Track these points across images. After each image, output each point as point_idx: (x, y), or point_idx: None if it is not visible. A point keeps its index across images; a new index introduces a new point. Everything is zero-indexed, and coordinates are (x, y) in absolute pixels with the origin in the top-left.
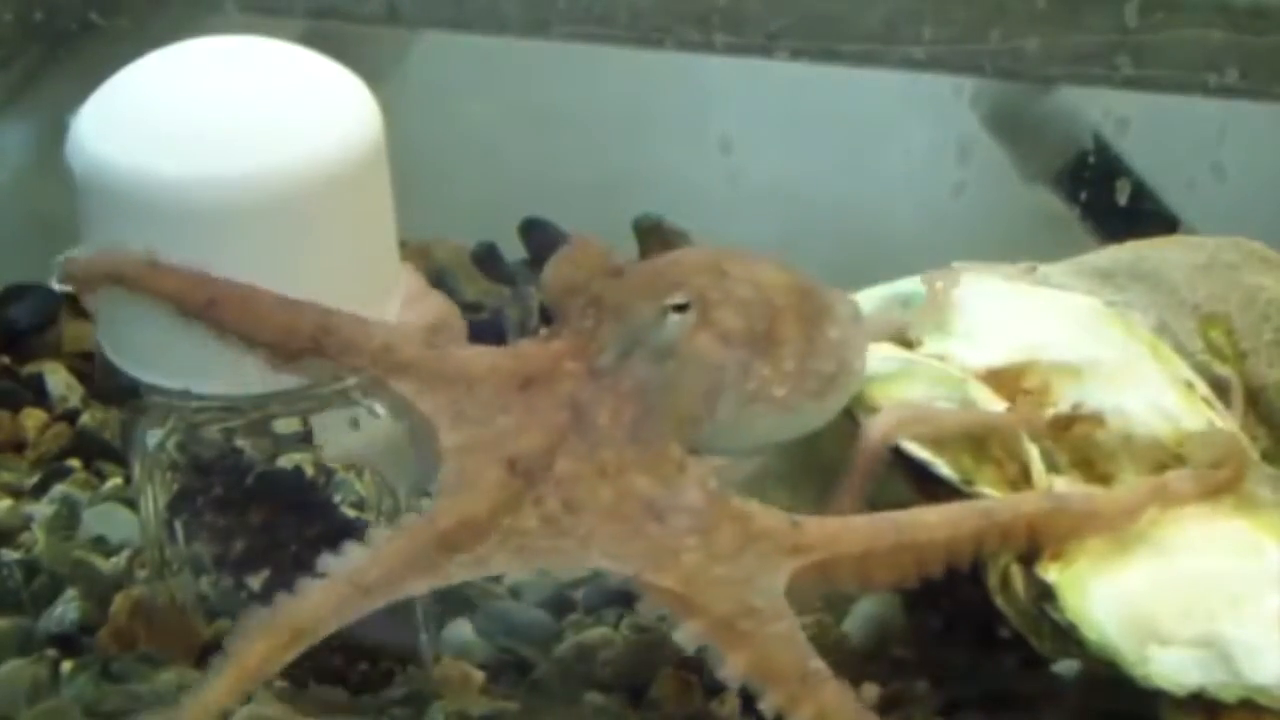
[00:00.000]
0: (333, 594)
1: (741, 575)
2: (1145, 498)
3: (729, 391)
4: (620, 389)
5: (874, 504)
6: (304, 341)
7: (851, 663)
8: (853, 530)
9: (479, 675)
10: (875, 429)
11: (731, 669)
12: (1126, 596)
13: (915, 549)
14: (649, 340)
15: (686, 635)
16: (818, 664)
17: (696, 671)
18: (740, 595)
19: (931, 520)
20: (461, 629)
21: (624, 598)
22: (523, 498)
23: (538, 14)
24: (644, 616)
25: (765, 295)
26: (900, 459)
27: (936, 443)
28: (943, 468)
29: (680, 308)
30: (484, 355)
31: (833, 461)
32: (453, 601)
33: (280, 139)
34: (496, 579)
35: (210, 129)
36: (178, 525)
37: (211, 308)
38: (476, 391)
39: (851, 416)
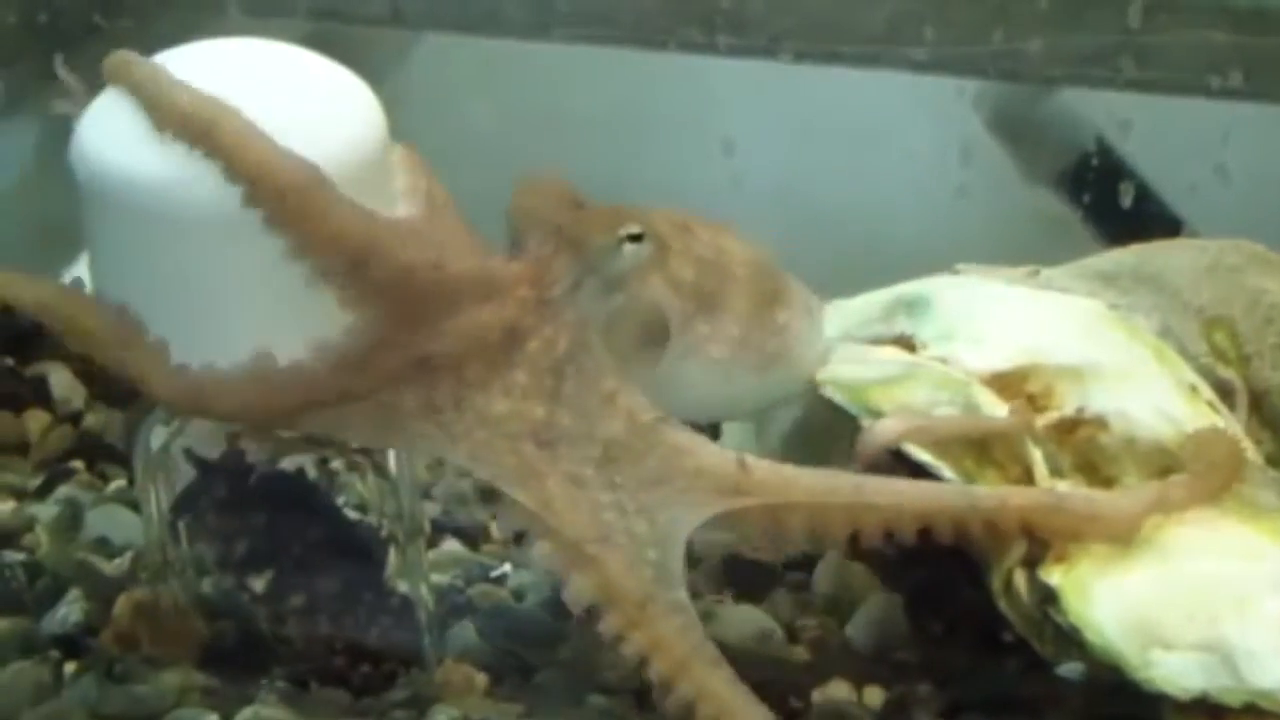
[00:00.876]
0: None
1: (636, 506)
2: (1146, 505)
3: (667, 340)
4: (561, 319)
5: None
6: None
7: (855, 665)
8: (808, 480)
9: (482, 678)
10: (876, 435)
11: (573, 592)
12: (1129, 600)
13: (880, 511)
14: (601, 269)
15: (537, 554)
16: (674, 596)
17: None
18: (602, 521)
19: (904, 489)
20: (464, 631)
21: None
22: (412, 381)
23: (540, 16)
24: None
25: (724, 260)
26: (902, 462)
27: (938, 446)
28: (945, 470)
29: (635, 238)
30: (460, 259)
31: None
32: (455, 604)
33: (284, 142)
34: (499, 581)
35: None
36: (180, 527)
37: None
38: (439, 288)
39: (854, 420)
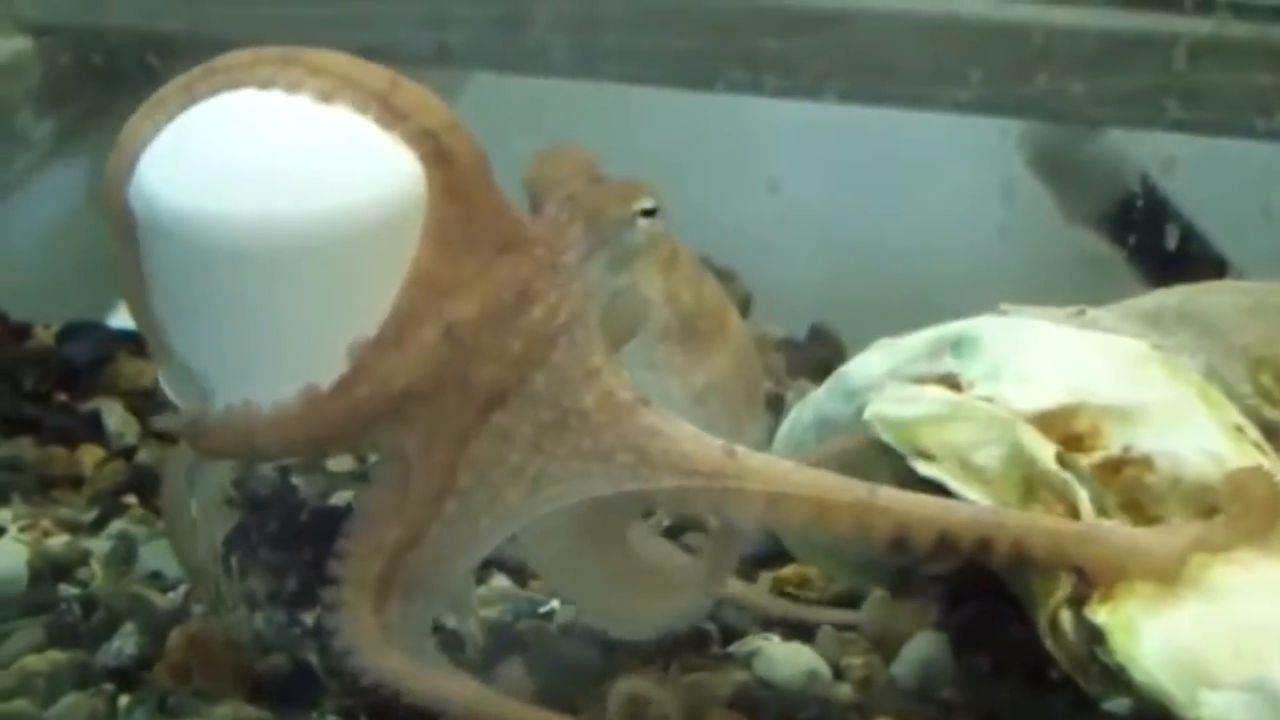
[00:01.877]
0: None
1: (534, 473)
2: (1188, 542)
3: (641, 344)
4: (568, 287)
5: None
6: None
7: (901, 704)
8: (811, 476)
9: None
10: None
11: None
12: (1176, 639)
13: (891, 516)
14: (613, 241)
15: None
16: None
17: (746, 711)
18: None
19: (921, 500)
20: (512, 667)
21: (674, 637)
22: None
23: (587, 55)
24: None
25: (724, 320)
26: (948, 497)
27: (984, 482)
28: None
29: (650, 213)
30: (498, 200)
31: None
32: (504, 639)
33: (335, 180)
34: (547, 616)
35: (268, 170)
36: (233, 561)
37: None
38: (471, 229)
39: (899, 458)
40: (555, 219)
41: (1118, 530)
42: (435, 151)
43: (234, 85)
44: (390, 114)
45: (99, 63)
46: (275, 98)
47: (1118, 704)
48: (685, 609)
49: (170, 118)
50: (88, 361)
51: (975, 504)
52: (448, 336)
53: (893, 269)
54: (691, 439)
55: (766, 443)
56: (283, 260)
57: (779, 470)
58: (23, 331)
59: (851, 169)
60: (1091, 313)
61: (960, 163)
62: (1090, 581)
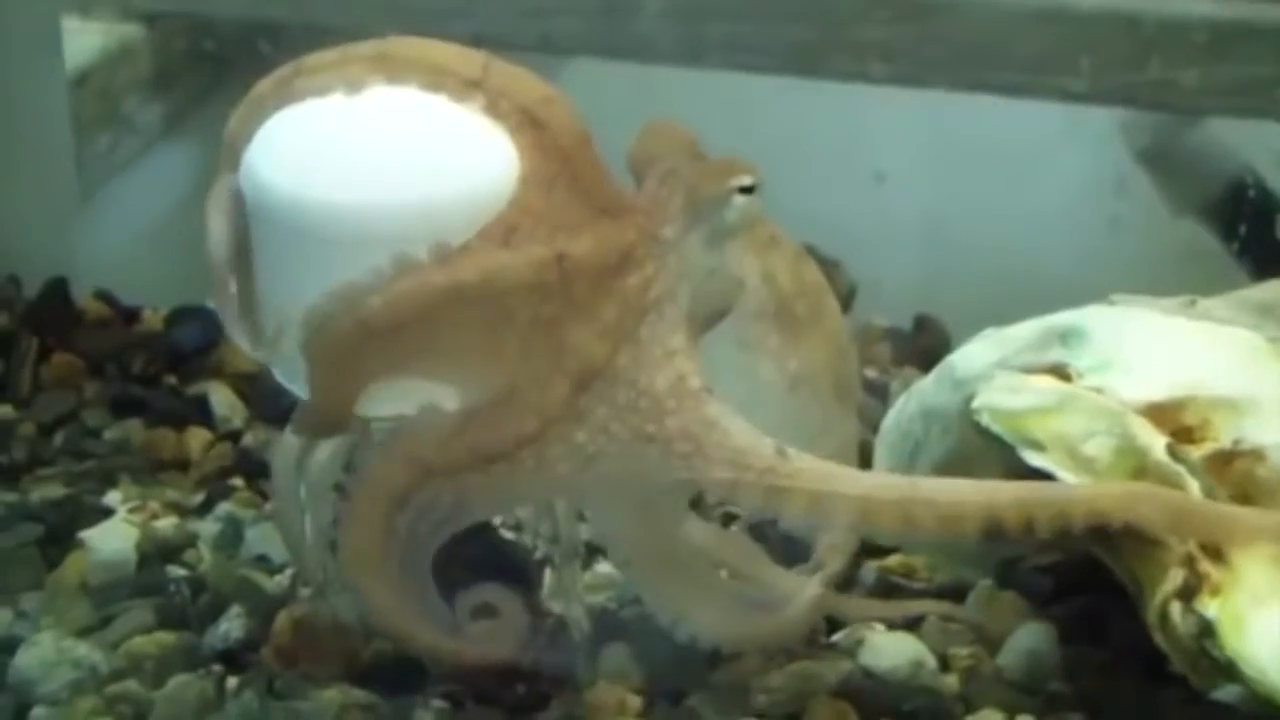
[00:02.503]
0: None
1: (594, 451)
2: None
3: (735, 322)
4: (665, 261)
5: None
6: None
7: (1007, 695)
8: (856, 476)
9: (635, 700)
10: None
11: None
12: None
13: (936, 508)
14: (710, 218)
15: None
16: None
17: (851, 700)
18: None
19: (967, 487)
20: (617, 653)
21: None
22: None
23: (692, 43)
24: None
25: (823, 307)
26: None
27: (1094, 473)
28: None
29: (747, 190)
30: (597, 166)
31: None
32: (609, 625)
33: (443, 171)
34: None
35: (375, 160)
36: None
37: None
38: (571, 186)
39: (1008, 448)
40: (655, 193)
41: (1200, 500)
42: (529, 121)
43: (324, 86)
44: (485, 96)
45: (209, 49)
46: (370, 100)
47: (1228, 691)
48: (786, 632)
49: (270, 113)
50: (195, 345)
51: (1022, 484)
52: (558, 263)
53: (999, 260)
54: (746, 434)
55: (856, 441)
56: (378, 248)
57: (825, 470)
58: (132, 315)
59: (959, 159)
60: (1203, 303)
61: (1072, 153)
62: (1200, 575)
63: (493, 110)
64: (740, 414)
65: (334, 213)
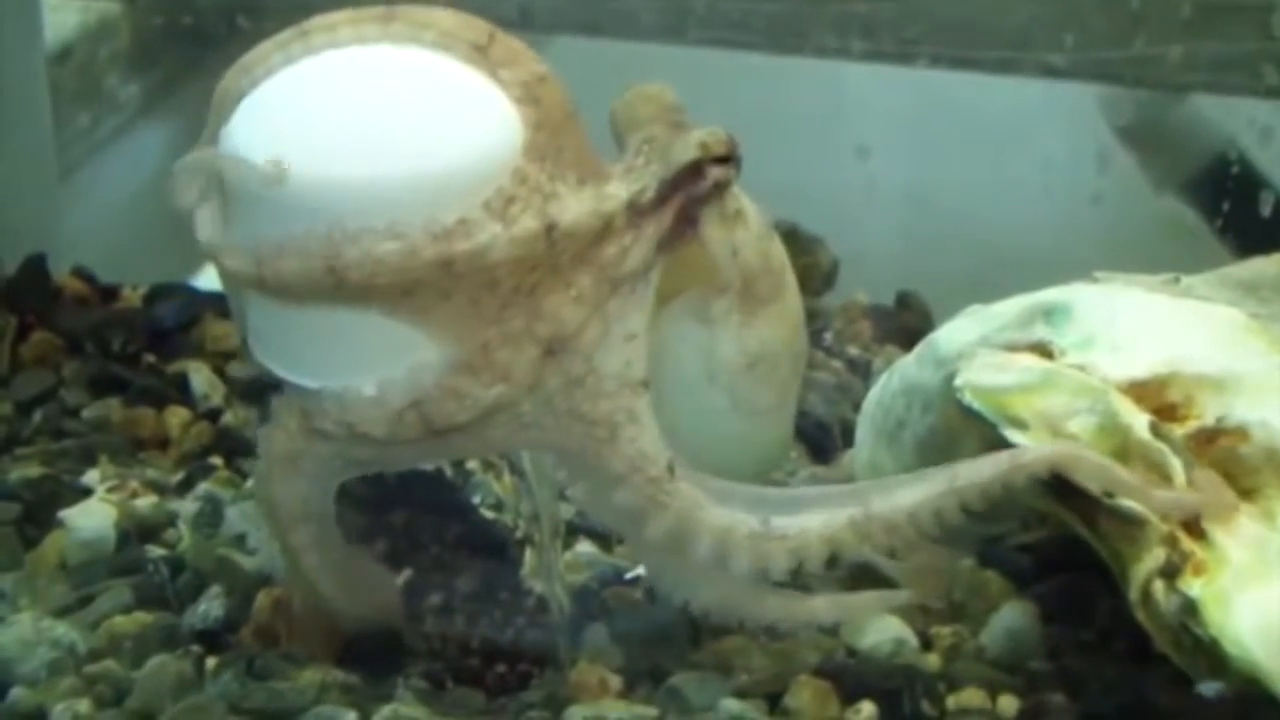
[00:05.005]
0: None
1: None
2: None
3: (698, 295)
4: (643, 232)
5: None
6: None
7: (989, 674)
8: (710, 512)
9: (616, 680)
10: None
11: None
12: (1271, 613)
13: (786, 544)
14: (687, 189)
15: None
16: None
17: (833, 679)
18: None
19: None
20: (598, 633)
21: None
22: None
23: (674, 19)
24: None
25: (785, 287)
26: None
27: None
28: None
29: (722, 160)
30: (579, 133)
31: None
32: (590, 605)
33: (441, 141)
34: (633, 583)
35: (357, 134)
36: None
37: None
38: (559, 156)
39: (994, 428)
40: (631, 161)
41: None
42: (529, 96)
43: (335, 43)
44: (489, 64)
45: (188, 25)
46: (368, 58)
47: (1209, 687)
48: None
49: (268, 74)
50: (175, 323)
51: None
52: (547, 234)
53: (982, 235)
54: (653, 440)
55: (793, 420)
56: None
57: (695, 498)
58: (111, 293)
59: (941, 135)
60: (1186, 280)
61: (1054, 129)
62: (1184, 554)
63: (495, 80)
64: (692, 392)
65: (314, 187)
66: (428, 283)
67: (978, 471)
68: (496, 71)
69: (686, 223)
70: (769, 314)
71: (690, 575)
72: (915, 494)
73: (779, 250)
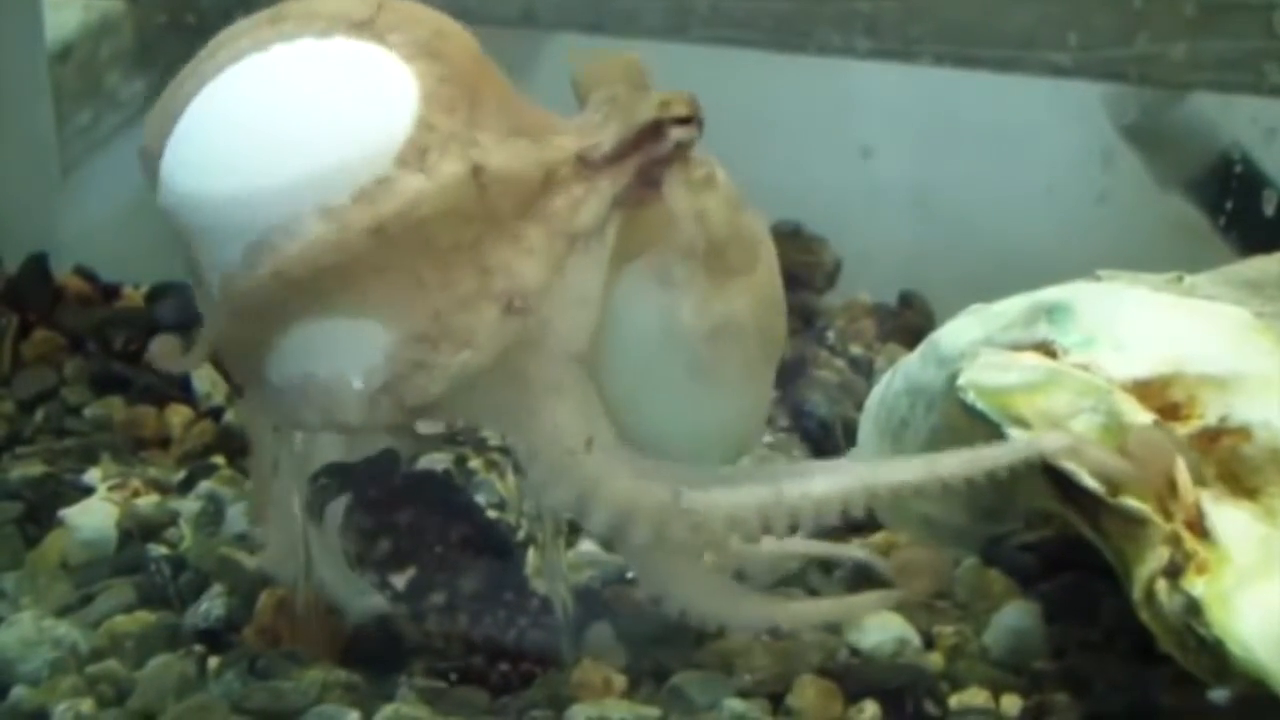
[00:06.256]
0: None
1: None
2: None
3: (660, 256)
4: (596, 185)
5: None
6: None
7: (991, 673)
8: (626, 483)
9: (619, 679)
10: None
11: None
12: (1274, 612)
13: (690, 517)
14: (647, 149)
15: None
16: None
17: (836, 679)
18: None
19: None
20: (602, 632)
21: None
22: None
23: (677, 17)
24: None
25: (758, 256)
26: (1043, 467)
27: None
28: (1086, 478)
29: (684, 121)
30: (503, 89)
31: None
32: (593, 605)
33: (318, 130)
34: (636, 582)
35: (258, 144)
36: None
37: None
38: (476, 107)
39: (993, 426)
40: (589, 118)
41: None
42: (423, 53)
43: (236, 55)
44: (374, 34)
45: (190, 23)
46: (261, 64)
47: (1218, 693)
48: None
49: (188, 98)
50: (177, 321)
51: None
52: (475, 177)
53: (986, 235)
54: (575, 411)
55: (769, 400)
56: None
57: (606, 472)
58: (112, 291)
59: (945, 134)
60: (1190, 279)
61: (1058, 128)
62: (1187, 554)
63: (385, 45)
64: (649, 356)
65: (235, 206)
66: (363, 259)
67: (880, 468)
68: (384, 38)
69: (648, 183)
70: (738, 286)
71: (671, 573)
72: (830, 484)
73: (753, 224)
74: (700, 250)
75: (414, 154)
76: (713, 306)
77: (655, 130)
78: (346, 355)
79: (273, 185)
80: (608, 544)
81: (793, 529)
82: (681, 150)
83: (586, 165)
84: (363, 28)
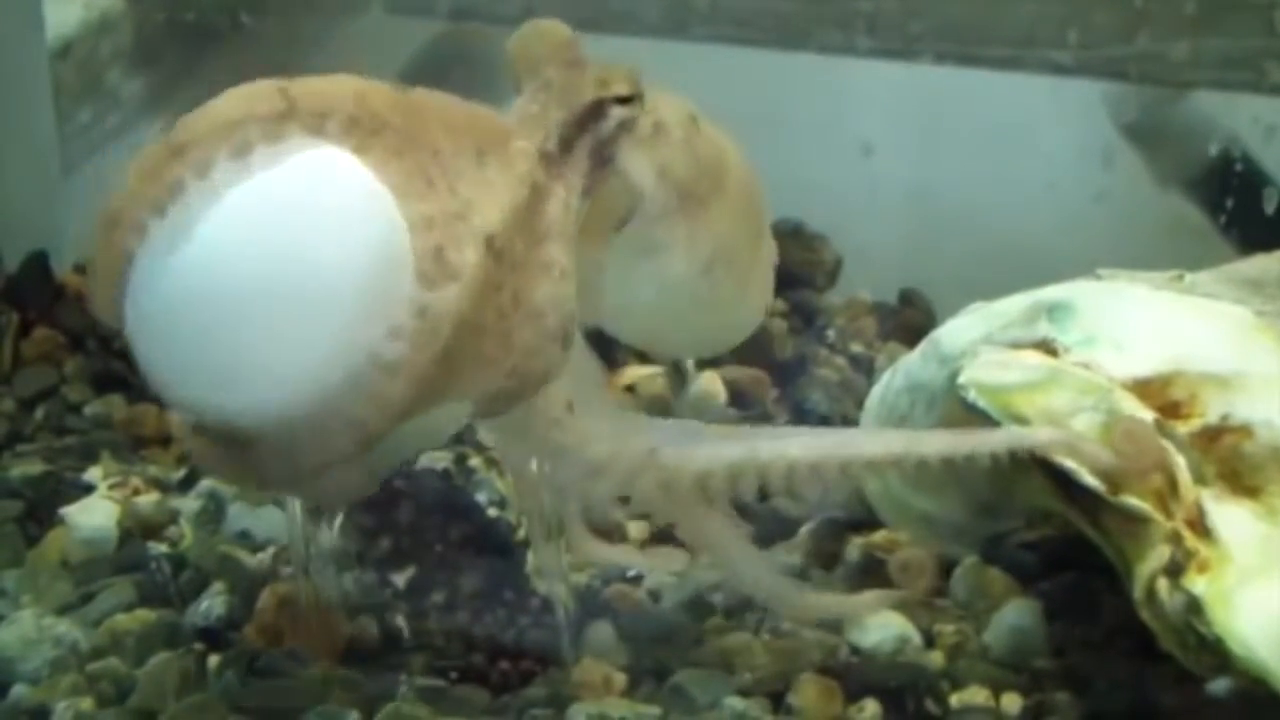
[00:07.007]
0: None
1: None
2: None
3: (638, 228)
4: (566, 181)
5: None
6: None
7: (992, 672)
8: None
9: (620, 678)
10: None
11: None
12: (1275, 611)
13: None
14: (592, 131)
15: None
16: None
17: (837, 677)
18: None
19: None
20: (602, 631)
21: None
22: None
23: (677, 15)
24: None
25: (723, 169)
26: (1043, 465)
27: (1079, 454)
28: (1087, 477)
29: (625, 100)
30: (445, 115)
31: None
32: (593, 603)
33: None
34: (636, 581)
35: (281, 328)
36: (323, 522)
37: None
38: (439, 159)
39: (997, 424)
40: (527, 108)
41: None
42: (363, 129)
43: (158, 210)
44: (301, 125)
45: (191, 21)
46: (214, 217)
47: (1219, 684)
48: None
49: (133, 277)
50: None
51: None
52: (489, 249)
53: (986, 233)
54: (561, 389)
55: (772, 273)
56: None
57: (586, 435)
58: None
59: (945, 132)
60: (1190, 278)
61: (1058, 126)
62: (1188, 552)
63: (321, 135)
64: (655, 313)
65: (296, 407)
66: (433, 379)
67: (858, 438)
68: (314, 129)
69: (600, 163)
70: (713, 212)
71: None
72: (805, 448)
73: (709, 139)
74: (673, 205)
75: (430, 262)
76: (698, 248)
77: (597, 110)
78: (433, 436)
79: (313, 375)
80: (610, 541)
81: (764, 490)
82: (626, 128)
83: (550, 163)
84: (282, 122)
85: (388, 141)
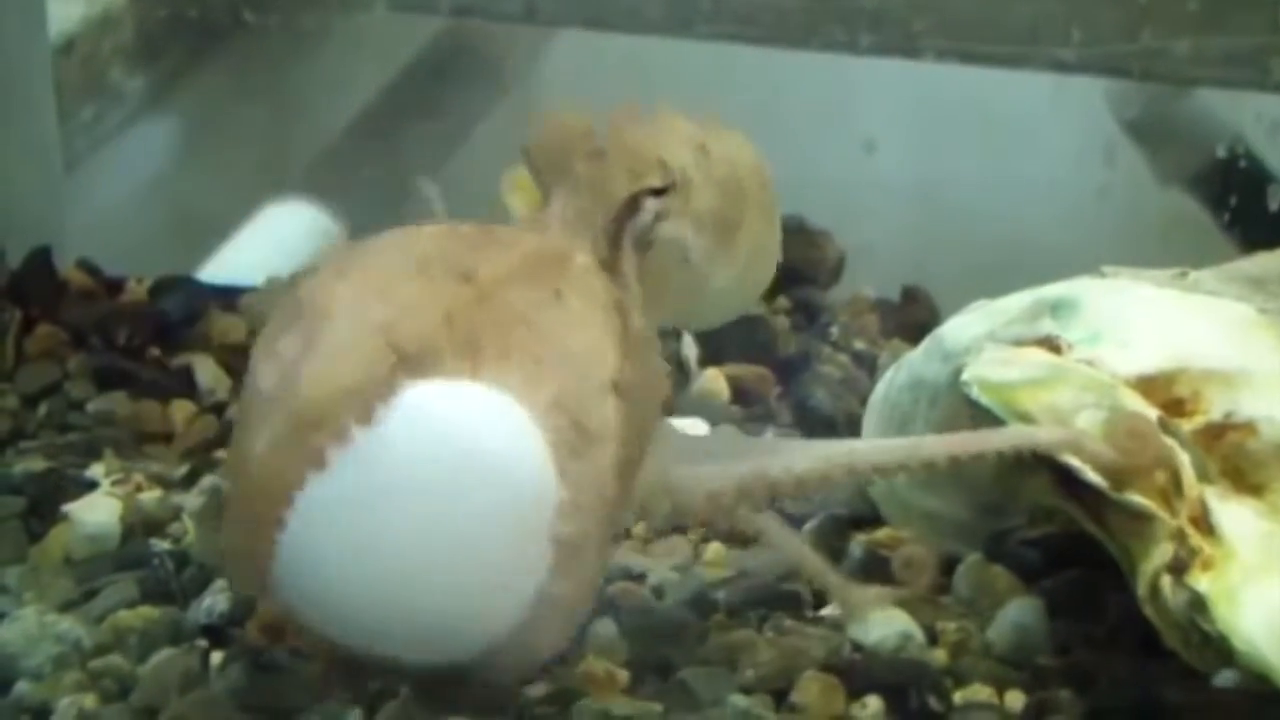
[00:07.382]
0: None
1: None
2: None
3: (687, 269)
4: (623, 282)
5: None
6: None
7: (995, 669)
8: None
9: (623, 675)
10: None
11: None
12: (1279, 608)
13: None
14: (630, 225)
15: None
16: None
17: (840, 674)
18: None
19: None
20: (606, 628)
21: (767, 599)
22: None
23: (682, 13)
24: None
25: (738, 177)
26: (1046, 463)
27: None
28: (1090, 474)
29: (659, 192)
30: (508, 270)
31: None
32: (597, 600)
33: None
34: (640, 578)
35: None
36: None
37: None
38: (533, 328)
39: (997, 421)
40: (565, 214)
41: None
42: (463, 351)
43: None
44: (412, 371)
45: (193, 18)
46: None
47: (1225, 677)
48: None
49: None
50: (180, 316)
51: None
52: (620, 396)
53: (989, 230)
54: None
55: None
56: None
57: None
58: (116, 286)
59: (948, 129)
60: (1194, 275)
61: (1061, 123)
62: (1191, 549)
63: (432, 374)
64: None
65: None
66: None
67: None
68: (428, 366)
69: (644, 247)
70: (745, 230)
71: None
72: (812, 461)
73: (720, 160)
74: (708, 239)
75: (571, 434)
76: (736, 256)
77: (633, 205)
78: None
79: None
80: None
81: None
82: (661, 218)
83: (606, 267)
84: (394, 378)
85: (487, 348)
